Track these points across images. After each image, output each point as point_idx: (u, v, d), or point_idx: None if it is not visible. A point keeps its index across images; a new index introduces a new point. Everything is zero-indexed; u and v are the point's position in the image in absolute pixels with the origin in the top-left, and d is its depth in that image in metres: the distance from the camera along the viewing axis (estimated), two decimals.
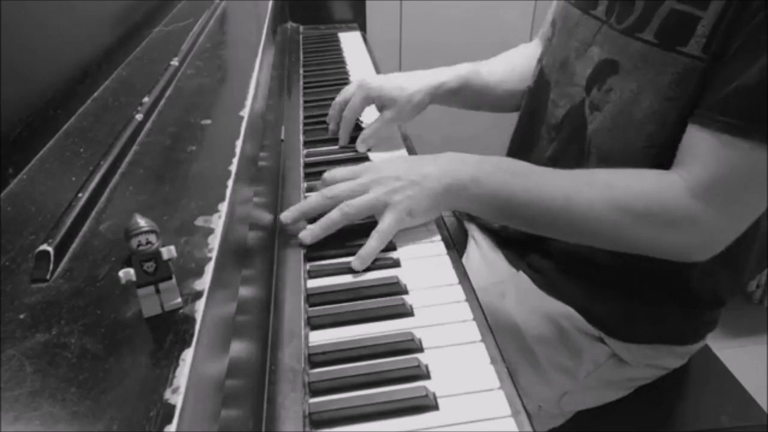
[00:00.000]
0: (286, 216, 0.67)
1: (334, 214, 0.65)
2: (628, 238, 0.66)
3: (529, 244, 0.84)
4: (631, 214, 0.64)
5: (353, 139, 0.88)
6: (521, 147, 0.90)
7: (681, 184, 0.63)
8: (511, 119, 0.99)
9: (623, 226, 0.65)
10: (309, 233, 0.65)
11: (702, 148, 0.63)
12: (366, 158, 0.85)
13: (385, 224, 0.64)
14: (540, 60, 0.88)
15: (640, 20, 0.69)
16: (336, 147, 0.89)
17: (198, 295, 0.37)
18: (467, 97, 0.93)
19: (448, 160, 0.69)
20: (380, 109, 0.89)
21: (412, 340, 0.55)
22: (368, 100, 0.88)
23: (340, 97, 0.90)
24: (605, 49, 0.73)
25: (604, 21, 0.74)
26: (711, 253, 0.66)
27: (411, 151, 0.89)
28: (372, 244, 0.63)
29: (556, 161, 0.81)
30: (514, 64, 0.97)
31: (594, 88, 0.74)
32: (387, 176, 0.66)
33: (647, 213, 0.64)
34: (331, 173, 0.70)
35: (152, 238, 0.36)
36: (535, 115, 0.86)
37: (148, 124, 0.57)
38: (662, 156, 0.68)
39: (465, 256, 0.95)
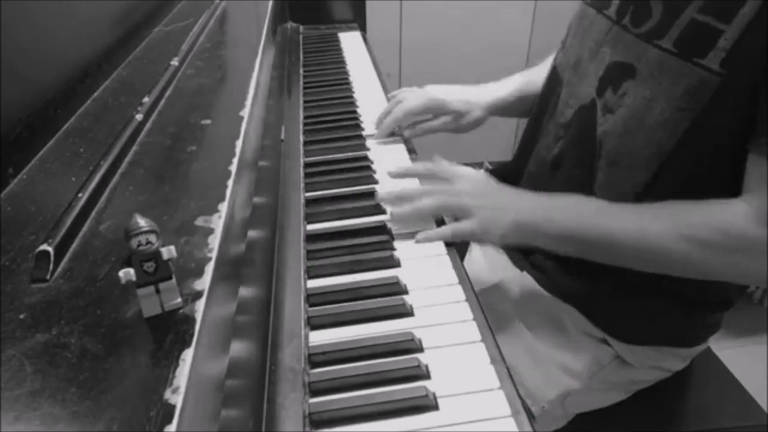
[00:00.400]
0: (392, 173, 0.77)
1: (427, 202, 0.71)
2: (700, 268, 0.67)
3: None
4: (700, 244, 0.64)
5: (358, 137, 0.90)
6: (528, 144, 0.90)
7: (748, 211, 0.62)
8: (510, 119, 0.99)
9: (693, 256, 0.65)
10: (399, 212, 0.72)
11: (763, 174, 0.62)
12: (366, 158, 0.85)
13: (463, 224, 0.70)
14: (554, 59, 0.88)
15: (660, 27, 0.68)
16: (336, 147, 0.89)
17: (198, 295, 0.37)
18: (522, 107, 0.97)
19: (528, 198, 0.73)
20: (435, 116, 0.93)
21: (412, 340, 0.55)
22: (429, 107, 0.92)
23: (408, 105, 0.92)
24: (617, 51, 0.73)
25: (615, 21, 0.74)
26: None
27: (410, 150, 0.89)
28: (444, 231, 0.70)
29: (561, 159, 0.81)
30: None
31: (607, 90, 0.74)
32: (479, 193, 0.72)
33: (715, 242, 0.64)
34: (438, 167, 0.77)
35: (152, 238, 0.36)
36: (545, 114, 0.87)
37: (148, 124, 0.57)
38: (670, 164, 0.68)
39: (468, 256, 0.95)
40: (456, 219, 0.72)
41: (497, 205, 0.71)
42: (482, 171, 0.78)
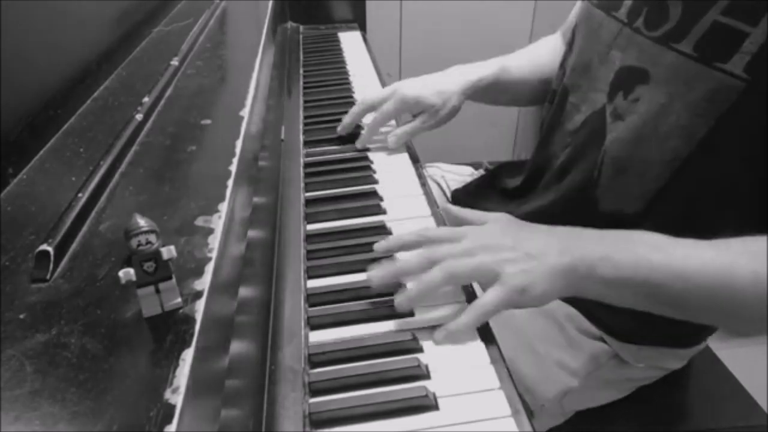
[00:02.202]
0: (380, 248, 0.62)
1: (436, 274, 0.56)
2: None
3: None
4: None
5: (353, 136, 0.90)
6: (539, 153, 0.88)
7: None
8: (510, 119, 0.98)
9: None
10: (405, 298, 0.57)
11: None
12: (366, 158, 0.85)
13: (490, 297, 0.55)
14: (562, 64, 0.86)
15: (678, 30, 0.64)
16: (336, 147, 0.89)
17: (198, 295, 0.37)
18: (497, 93, 0.94)
19: (568, 233, 0.59)
20: (415, 114, 0.90)
21: (412, 339, 0.55)
22: (405, 109, 0.88)
23: (369, 100, 0.90)
24: (628, 54, 0.70)
25: (625, 23, 0.71)
26: None
27: (410, 150, 0.89)
28: (464, 320, 0.54)
29: (567, 168, 0.78)
30: (540, 57, 0.96)
31: (618, 95, 0.71)
32: (497, 243, 0.57)
33: None
34: (430, 232, 0.61)
35: (152, 238, 0.36)
36: (555, 119, 0.84)
37: (148, 124, 0.57)
38: (685, 170, 0.66)
39: None
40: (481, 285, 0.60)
41: (528, 251, 0.56)
42: (503, 215, 0.65)
